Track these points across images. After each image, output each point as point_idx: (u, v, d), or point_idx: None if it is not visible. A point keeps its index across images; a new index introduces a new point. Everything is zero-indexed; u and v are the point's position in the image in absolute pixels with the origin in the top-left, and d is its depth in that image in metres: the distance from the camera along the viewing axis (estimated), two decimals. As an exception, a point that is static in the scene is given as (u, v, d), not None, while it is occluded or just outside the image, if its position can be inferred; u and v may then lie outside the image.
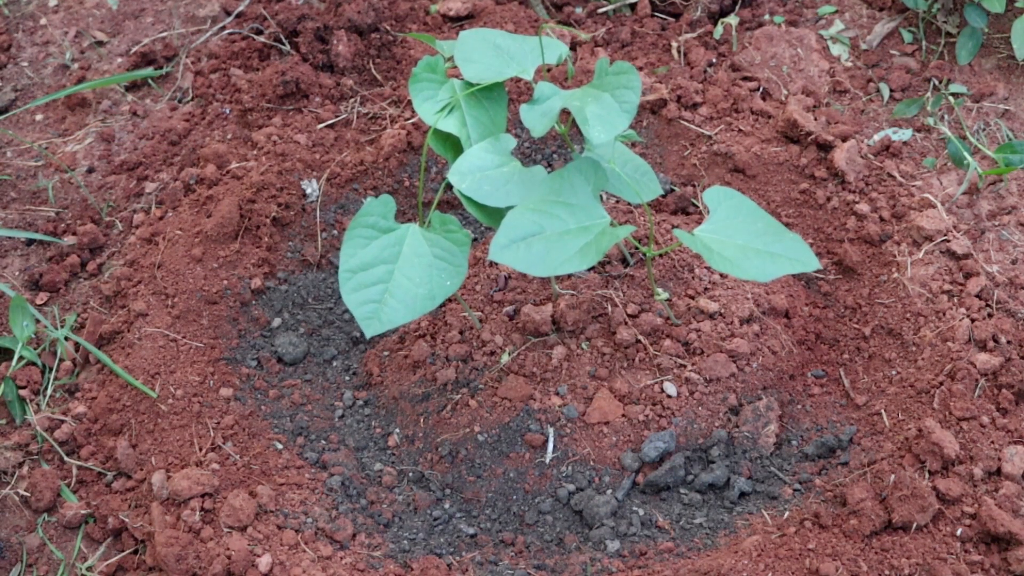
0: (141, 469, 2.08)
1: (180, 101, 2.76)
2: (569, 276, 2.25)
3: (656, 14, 2.86)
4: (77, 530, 2.08)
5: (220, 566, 1.89)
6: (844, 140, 2.47)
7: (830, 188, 2.42)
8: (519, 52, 2.06)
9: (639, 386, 2.11)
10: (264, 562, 1.90)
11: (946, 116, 2.53)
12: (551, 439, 2.08)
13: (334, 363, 2.33)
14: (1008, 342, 2.09)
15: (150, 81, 2.81)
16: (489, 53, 2.05)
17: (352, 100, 2.65)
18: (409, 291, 1.88)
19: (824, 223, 2.40)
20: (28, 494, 2.09)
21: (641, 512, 2.04)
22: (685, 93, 2.59)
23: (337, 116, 2.62)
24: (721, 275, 2.25)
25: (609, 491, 2.05)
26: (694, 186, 2.49)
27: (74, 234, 2.50)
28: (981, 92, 2.55)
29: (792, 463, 2.10)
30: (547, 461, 2.07)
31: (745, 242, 1.90)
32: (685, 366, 2.12)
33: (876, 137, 2.50)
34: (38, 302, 2.40)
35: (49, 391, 2.25)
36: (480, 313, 2.24)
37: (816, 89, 2.62)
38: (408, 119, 2.58)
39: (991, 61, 2.63)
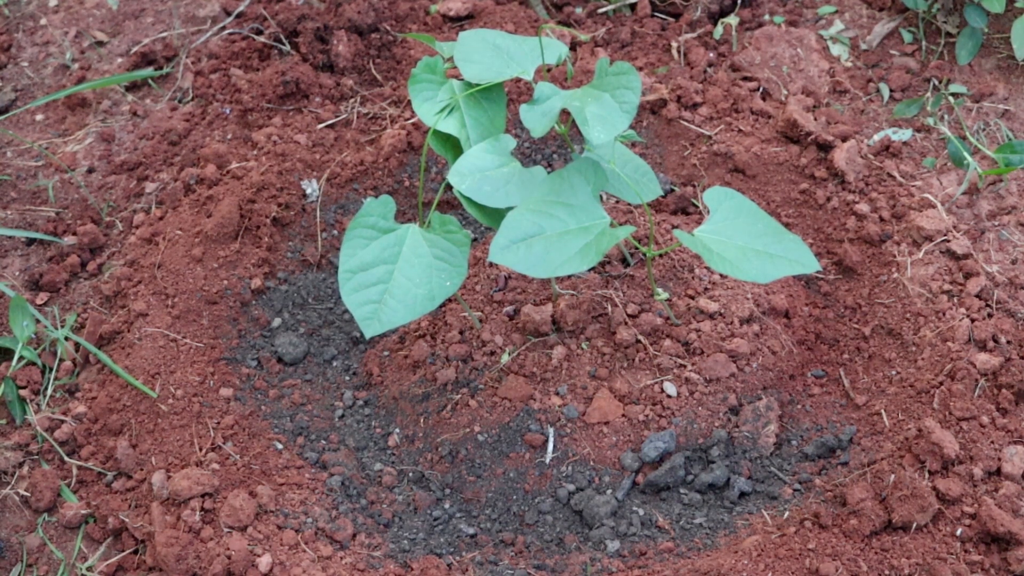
0: (141, 469, 2.08)
1: (180, 101, 2.76)
2: (569, 276, 2.25)
3: (656, 14, 2.86)
4: (77, 530, 2.08)
5: (220, 566, 1.89)
6: (844, 140, 2.47)
7: (830, 188, 2.42)
8: (519, 52, 2.06)
9: (639, 386, 2.11)
10: (264, 562, 1.90)
11: (946, 116, 2.53)
12: (551, 439, 2.08)
13: (334, 363, 2.33)
14: (1008, 342, 2.09)
15: (150, 81, 2.81)
16: (489, 53, 2.04)
17: (352, 100, 2.65)
18: (409, 291, 1.88)
19: (824, 223, 2.40)
20: (28, 494, 2.09)
21: (641, 512, 2.04)
22: (685, 93, 2.59)
23: (337, 116, 2.62)
24: (721, 275, 2.25)
25: (609, 491, 2.05)
26: (694, 186, 2.49)
27: (74, 234, 2.50)
28: (981, 92, 2.55)
29: (792, 463, 2.10)
30: (547, 461, 2.07)
31: (745, 243, 1.90)
32: (685, 366, 2.12)
33: (876, 137, 2.50)
34: (38, 302, 2.40)
35: (49, 391, 2.25)
36: (480, 313, 2.24)
37: (816, 89, 2.62)
38: (408, 119, 2.58)
39: (991, 61, 2.63)
